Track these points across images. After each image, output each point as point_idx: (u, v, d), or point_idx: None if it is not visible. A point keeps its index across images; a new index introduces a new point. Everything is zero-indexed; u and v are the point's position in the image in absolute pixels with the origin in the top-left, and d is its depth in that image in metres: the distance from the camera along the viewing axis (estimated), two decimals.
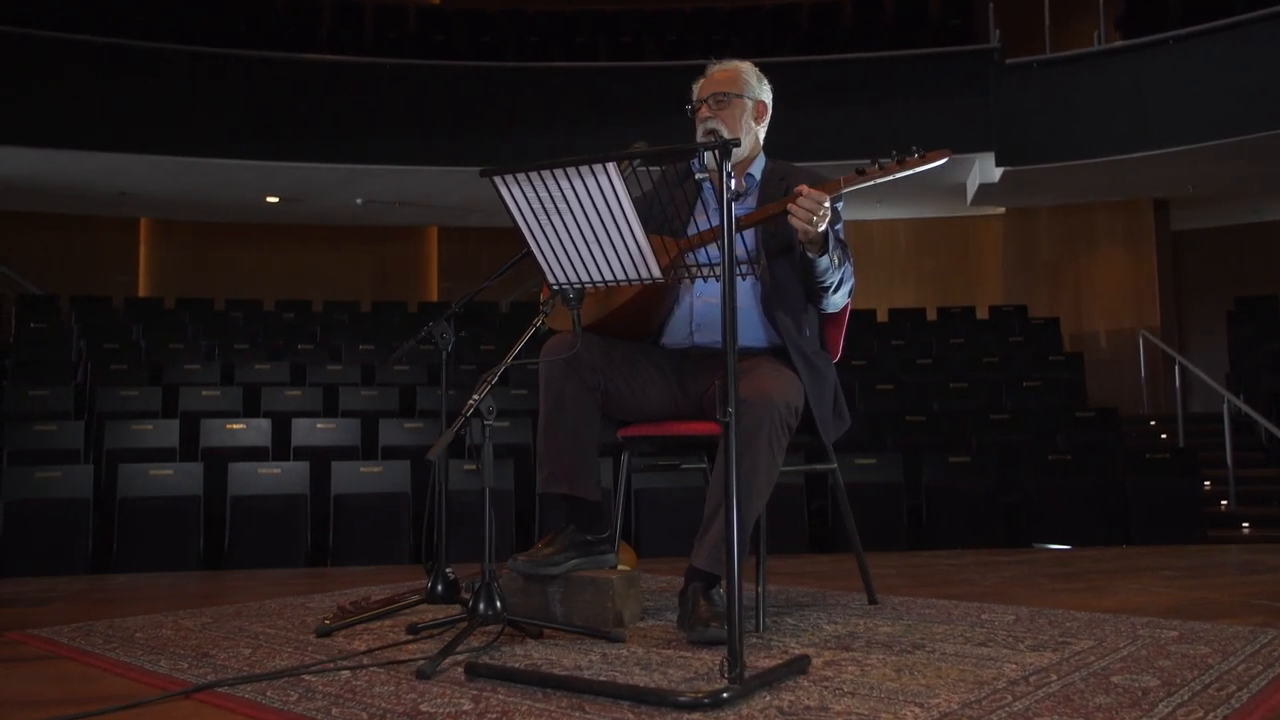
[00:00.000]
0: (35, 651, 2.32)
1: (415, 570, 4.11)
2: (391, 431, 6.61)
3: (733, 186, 1.83)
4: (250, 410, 7.12)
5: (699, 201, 2.71)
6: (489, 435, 2.28)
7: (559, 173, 1.99)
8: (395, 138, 9.92)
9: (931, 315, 10.69)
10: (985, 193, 10.23)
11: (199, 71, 9.87)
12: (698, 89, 2.71)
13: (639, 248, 2.07)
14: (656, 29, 11.48)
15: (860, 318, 10.47)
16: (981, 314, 10.74)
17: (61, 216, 11.94)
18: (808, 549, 5.53)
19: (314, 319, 10.22)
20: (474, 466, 2.37)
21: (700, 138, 2.62)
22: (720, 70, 2.70)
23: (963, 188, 10.54)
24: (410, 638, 2.33)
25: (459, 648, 2.10)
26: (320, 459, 5.92)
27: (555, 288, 2.24)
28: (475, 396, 2.25)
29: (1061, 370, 8.45)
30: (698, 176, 2.63)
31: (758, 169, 2.70)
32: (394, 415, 7.10)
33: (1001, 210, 11.88)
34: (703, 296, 2.62)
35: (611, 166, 1.95)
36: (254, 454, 6.27)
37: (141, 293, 12.49)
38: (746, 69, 2.70)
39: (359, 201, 11.30)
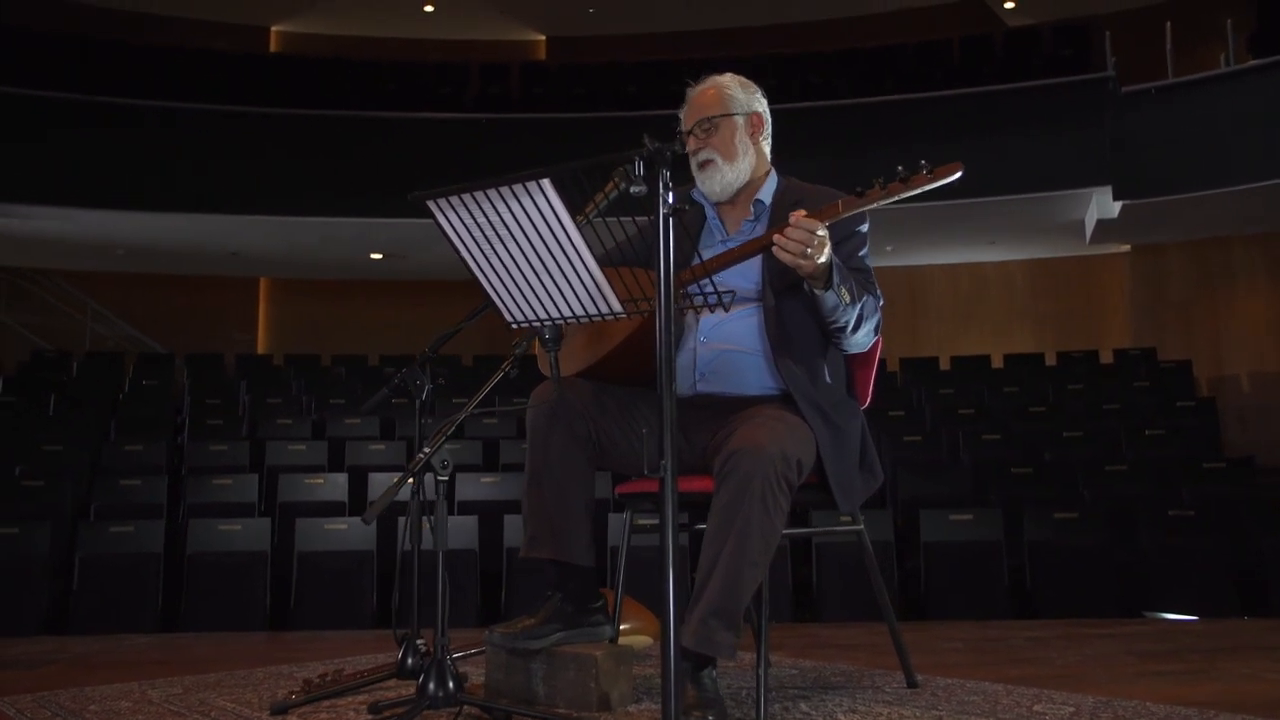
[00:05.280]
0: None
1: (476, 634, 3.87)
2: (468, 486, 6.45)
3: (670, 200, 1.56)
4: (335, 465, 7.08)
5: (704, 231, 2.44)
6: (444, 492, 2.05)
7: (492, 193, 1.76)
8: None
9: (1051, 360, 10.02)
10: (1105, 229, 9.59)
11: (304, 132, 10.11)
12: (683, 117, 2.44)
13: (593, 279, 1.82)
14: (754, 75, 11.21)
15: (972, 364, 9.93)
16: (1105, 358, 10.02)
17: (187, 278, 12.38)
18: (897, 616, 5.08)
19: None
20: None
21: (694, 171, 2.37)
22: (700, 93, 2.42)
23: (1081, 225, 9.91)
24: (370, 718, 2.10)
25: None
26: (391, 514, 5.80)
27: (514, 325, 2.00)
28: (426, 449, 2.03)
29: (1191, 417, 7.73)
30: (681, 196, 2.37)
31: (768, 192, 2.40)
32: (475, 469, 6.96)
33: (1126, 248, 11.14)
34: (708, 342, 2.33)
35: (547, 184, 1.71)
36: (330, 509, 6.19)
37: (260, 350, 12.84)
38: (728, 82, 2.42)
39: None
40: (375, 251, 11.23)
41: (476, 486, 6.44)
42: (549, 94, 11.73)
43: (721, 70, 2.51)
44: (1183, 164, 8.66)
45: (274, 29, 13.24)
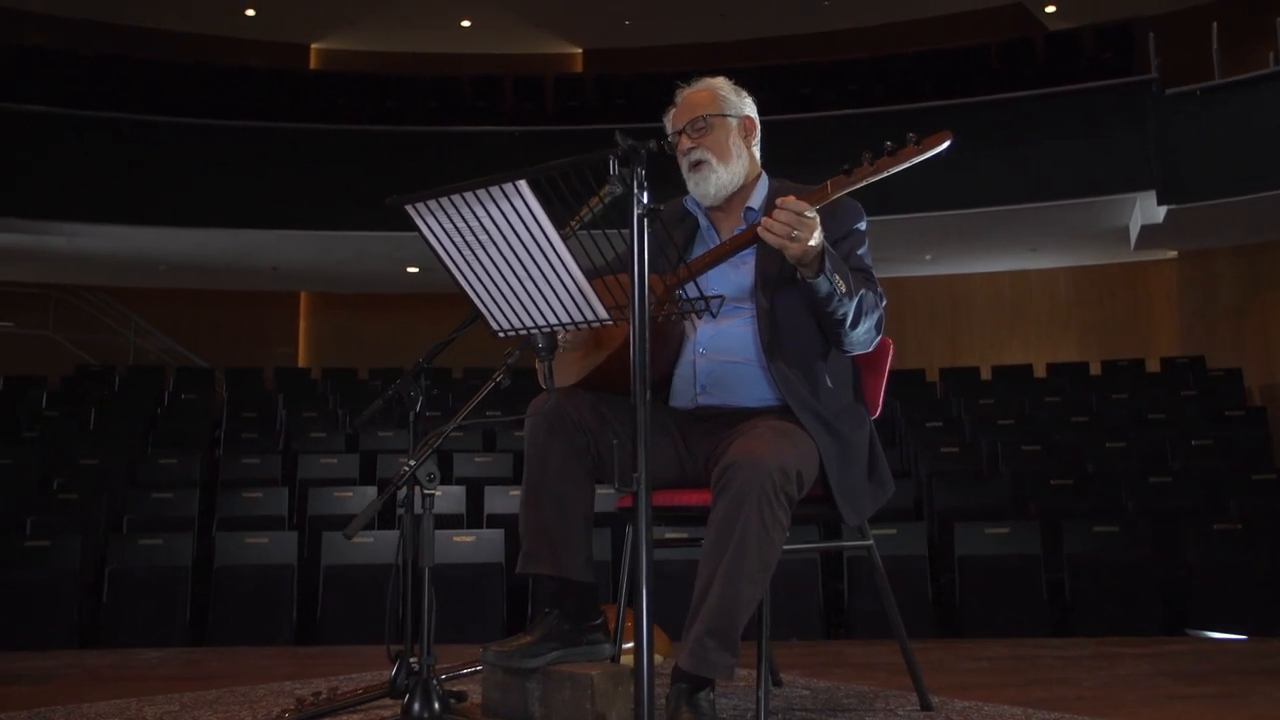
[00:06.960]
0: None
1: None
2: (497, 499, 6.42)
3: (645, 201, 1.49)
4: (366, 478, 7.08)
5: (697, 241, 2.37)
6: (430, 506, 1.99)
7: (470, 196, 1.71)
8: None
9: (1095, 369, 9.79)
10: (1150, 235, 9.34)
11: (342, 147, 10.16)
12: (670, 120, 2.36)
13: (575, 284, 1.75)
14: (788, 84, 11.18)
15: (1014, 374, 9.74)
16: (1152, 367, 9.76)
17: (229, 292, 12.51)
18: (930, 633, 4.96)
19: (450, 386, 10.22)
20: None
21: (685, 173, 2.30)
22: (693, 93, 2.34)
23: (1125, 231, 9.67)
24: None
25: None
26: (417, 527, 5.76)
27: (500, 335, 1.94)
28: (411, 462, 1.98)
29: (1240, 427, 7.49)
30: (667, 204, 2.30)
31: (759, 198, 2.31)
32: (504, 482, 6.92)
33: (1174, 254, 10.87)
34: (706, 353, 2.25)
35: (524, 186, 1.66)
36: None
37: (301, 363, 12.93)
38: (722, 84, 2.34)
39: None
40: (411, 265, 11.26)
41: (505, 499, 6.40)
42: (584, 106, 11.72)
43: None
44: (1230, 167, 8.43)
45: (313, 46, 13.40)
